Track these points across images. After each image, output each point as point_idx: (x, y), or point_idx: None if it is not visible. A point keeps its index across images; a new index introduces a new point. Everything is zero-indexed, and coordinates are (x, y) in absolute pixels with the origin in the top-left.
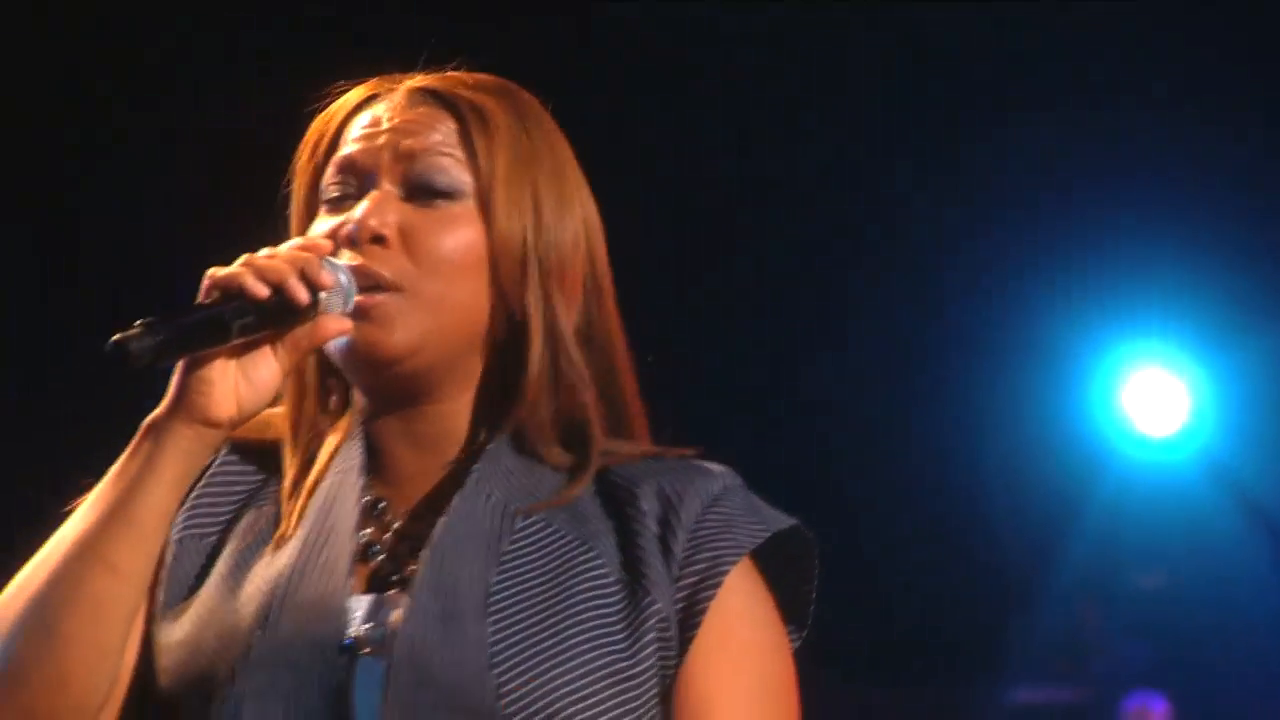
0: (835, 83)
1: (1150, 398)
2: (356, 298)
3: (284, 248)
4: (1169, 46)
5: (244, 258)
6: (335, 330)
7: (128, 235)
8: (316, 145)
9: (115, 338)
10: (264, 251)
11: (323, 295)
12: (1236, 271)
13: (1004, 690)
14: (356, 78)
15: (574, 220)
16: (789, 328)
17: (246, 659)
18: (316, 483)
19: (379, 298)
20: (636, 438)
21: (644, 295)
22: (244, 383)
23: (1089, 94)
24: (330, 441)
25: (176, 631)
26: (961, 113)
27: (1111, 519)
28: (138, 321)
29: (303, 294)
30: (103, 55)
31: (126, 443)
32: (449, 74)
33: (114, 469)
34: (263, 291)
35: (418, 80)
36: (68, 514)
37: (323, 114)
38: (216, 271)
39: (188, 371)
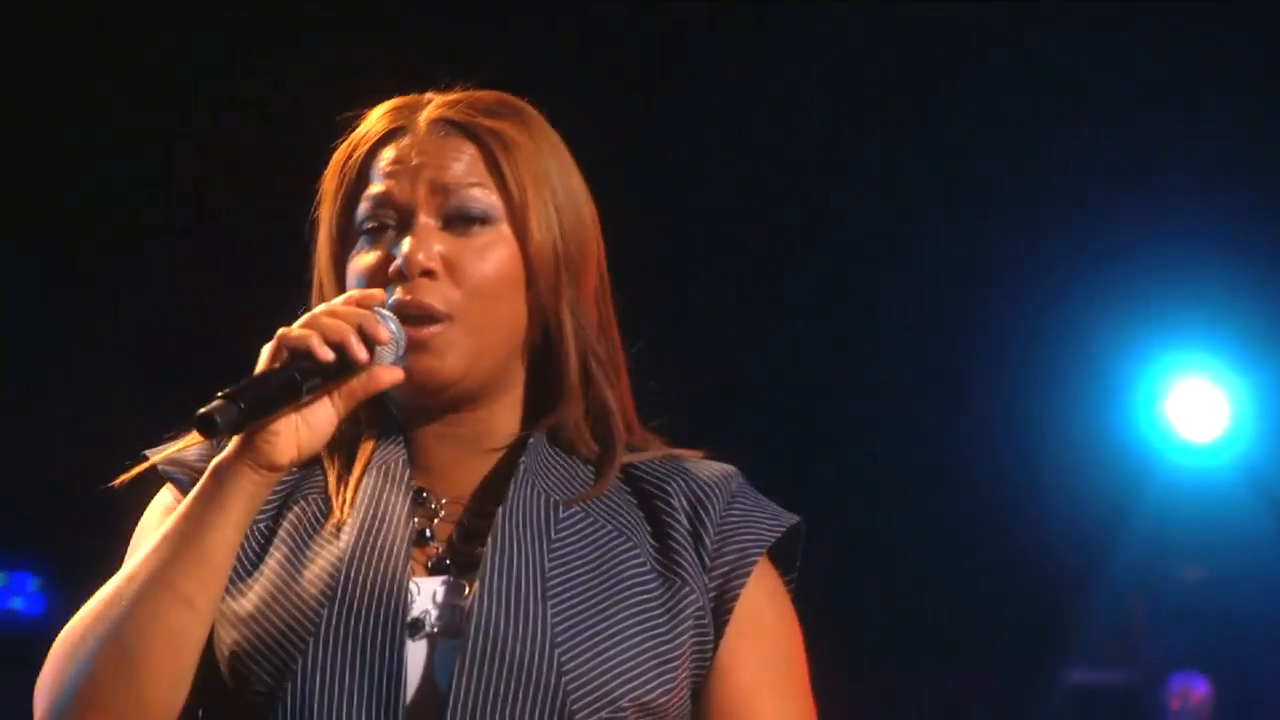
0: (888, 94)
1: (1192, 407)
2: (410, 330)
3: (339, 302)
4: (1210, 59)
5: (308, 317)
6: (388, 380)
7: (127, 235)
8: (343, 174)
9: (201, 411)
10: (322, 307)
11: (378, 349)
12: (1273, 288)
13: (1063, 672)
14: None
15: (585, 222)
16: (849, 345)
17: (316, 634)
18: (361, 475)
19: (433, 329)
20: (633, 423)
21: (709, 303)
22: (304, 429)
23: (1132, 107)
24: (366, 438)
25: (239, 606)
26: (1009, 128)
27: (1158, 519)
28: (218, 394)
29: (363, 354)
30: (103, 55)
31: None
32: (457, 96)
33: (182, 508)
34: (329, 355)
35: (434, 110)
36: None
37: (346, 143)
38: (288, 332)
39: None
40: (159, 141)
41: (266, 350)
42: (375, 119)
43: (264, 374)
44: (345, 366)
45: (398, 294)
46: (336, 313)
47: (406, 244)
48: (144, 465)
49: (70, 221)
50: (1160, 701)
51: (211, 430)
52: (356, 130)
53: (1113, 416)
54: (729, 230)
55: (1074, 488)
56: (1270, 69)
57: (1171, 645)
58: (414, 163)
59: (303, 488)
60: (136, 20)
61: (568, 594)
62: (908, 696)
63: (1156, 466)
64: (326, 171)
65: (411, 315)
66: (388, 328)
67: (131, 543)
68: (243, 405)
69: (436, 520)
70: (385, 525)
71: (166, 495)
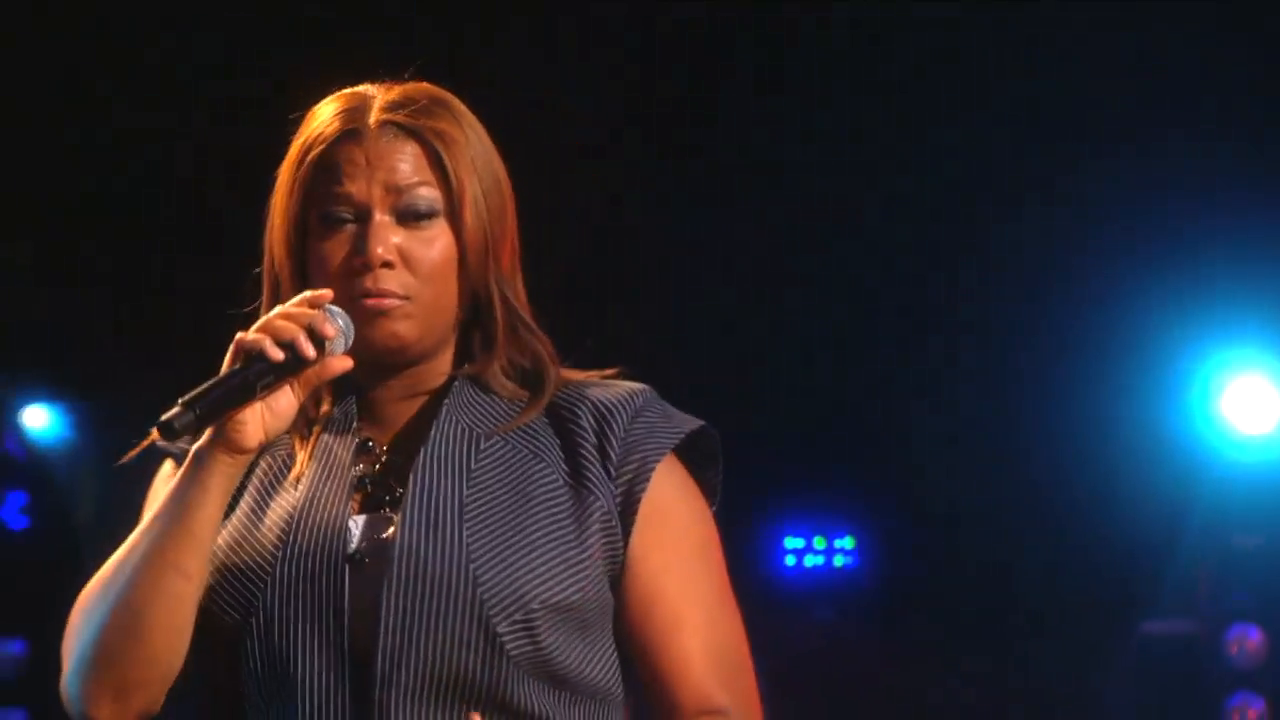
0: (953, 93)
1: (1247, 402)
2: (373, 302)
3: (292, 305)
4: (1259, 55)
5: (262, 320)
6: (339, 368)
7: (127, 235)
8: (300, 169)
9: (161, 419)
10: (277, 310)
11: (327, 343)
12: None
13: (1139, 624)
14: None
15: (504, 197)
16: (928, 347)
17: (272, 573)
18: (320, 432)
19: (395, 301)
20: (549, 358)
21: (710, 302)
22: (269, 415)
23: (1184, 103)
24: (325, 397)
25: (211, 553)
26: (1071, 129)
27: (1218, 503)
28: (178, 401)
29: (311, 352)
30: (103, 55)
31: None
32: (398, 97)
33: (171, 488)
34: (279, 355)
35: (381, 113)
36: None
37: (300, 140)
38: (244, 337)
39: None
40: (159, 141)
41: (228, 355)
42: (328, 118)
43: (220, 379)
44: (298, 362)
45: (365, 283)
46: (289, 314)
47: (368, 240)
48: (145, 443)
49: (70, 221)
50: (1220, 648)
51: (171, 434)
52: (310, 127)
53: (1172, 414)
54: (730, 230)
55: (1142, 479)
56: None
57: (1230, 601)
58: (368, 165)
59: (271, 445)
60: (136, 20)
61: (483, 515)
62: (1012, 644)
63: (1217, 454)
64: (283, 165)
65: (375, 296)
66: (335, 324)
67: (147, 503)
68: (197, 411)
69: (377, 466)
70: (332, 475)
71: (167, 465)
